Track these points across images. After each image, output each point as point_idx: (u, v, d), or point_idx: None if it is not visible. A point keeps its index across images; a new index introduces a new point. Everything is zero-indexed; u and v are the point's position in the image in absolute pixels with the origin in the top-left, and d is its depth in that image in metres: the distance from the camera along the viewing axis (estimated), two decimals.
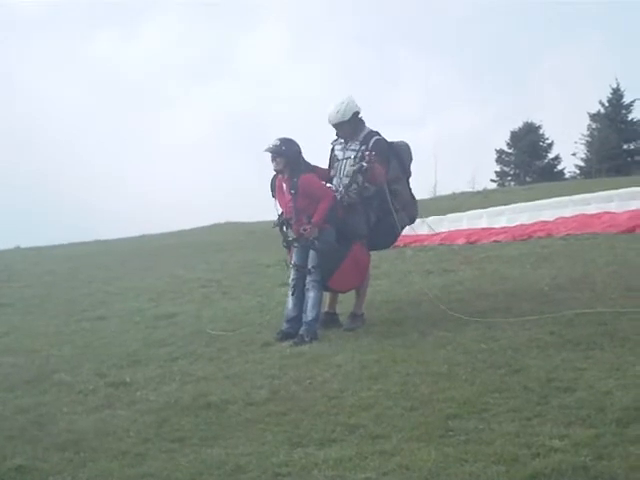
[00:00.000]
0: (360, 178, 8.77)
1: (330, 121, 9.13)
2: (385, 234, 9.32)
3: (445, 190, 33.66)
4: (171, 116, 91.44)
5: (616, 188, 17.61)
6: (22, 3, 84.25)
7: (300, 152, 8.99)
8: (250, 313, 10.65)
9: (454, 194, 31.34)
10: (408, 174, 9.44)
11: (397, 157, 9.24)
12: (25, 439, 6.05)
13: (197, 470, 5.13)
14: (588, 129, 53.60)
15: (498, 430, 5.19)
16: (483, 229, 16.68)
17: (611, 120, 52.20)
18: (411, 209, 9.50)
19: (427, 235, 16.85)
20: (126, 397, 7.05)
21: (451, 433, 5.27)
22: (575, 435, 4.96)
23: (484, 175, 59.98)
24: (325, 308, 9.31)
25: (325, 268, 8.81)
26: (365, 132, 9.11)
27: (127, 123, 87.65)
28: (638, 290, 9.08)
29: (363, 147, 8.94)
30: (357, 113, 9.14)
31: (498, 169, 55.56)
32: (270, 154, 8.88)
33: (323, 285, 8.92)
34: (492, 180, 52.88)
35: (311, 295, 8.79)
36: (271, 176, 9.21)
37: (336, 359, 7.53)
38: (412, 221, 9.72)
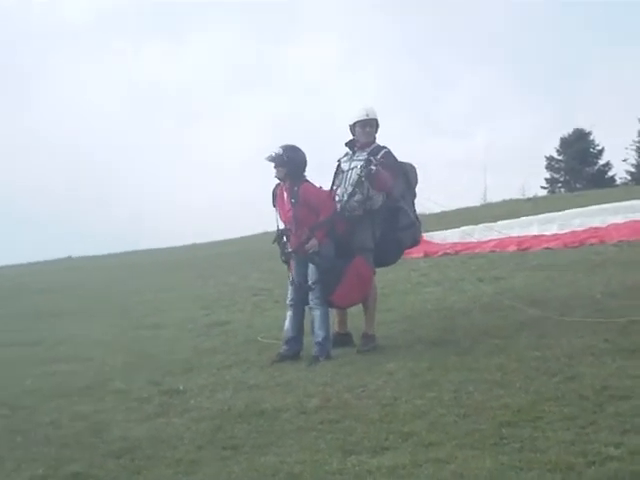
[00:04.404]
0: (366, 185, 8.55)
1: (368, 114, 8.91)
2: (389, 250, 9.01)
3: (495, 197, 33.37)
4: (217, 126, 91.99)
5: None
6: (70, 14, 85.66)
7: (305, 160, 8.74)
8: None
9: (504, 201, 31.10)
10: (413, 195, 9.19)
11: (404, 176, 9.01)
12: (81, 446, 6.13)
13: (250, 478, 5.15)
14: (639, 135, 52.87)
15: (553, 438, 5.15)
16: (534, 236, 16.52)
17: None
18: (414, 231, 9.18)
19: (478, 242, 16.77)
20: (180, 405, 7.11)
21: (505, 441, 5.23)
22: (631, 443, 4.89)
23: (534, 182, 59.25)
24: (335, 328, 9.04)
25: (326, 283, 8.50)
26: (375, 145, 8.92)
27: (174, 134, 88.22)
28: None
29: (371, 158, 8.64)
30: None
31: (548, 176, 55.02)
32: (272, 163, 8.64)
33: (326, 301, 8.59)
34: (542, 187, 52.29)
35: (317, 314, 8.56)
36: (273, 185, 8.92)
37: (388, 367, 7.51)
38: (414, 244, 9.47)
